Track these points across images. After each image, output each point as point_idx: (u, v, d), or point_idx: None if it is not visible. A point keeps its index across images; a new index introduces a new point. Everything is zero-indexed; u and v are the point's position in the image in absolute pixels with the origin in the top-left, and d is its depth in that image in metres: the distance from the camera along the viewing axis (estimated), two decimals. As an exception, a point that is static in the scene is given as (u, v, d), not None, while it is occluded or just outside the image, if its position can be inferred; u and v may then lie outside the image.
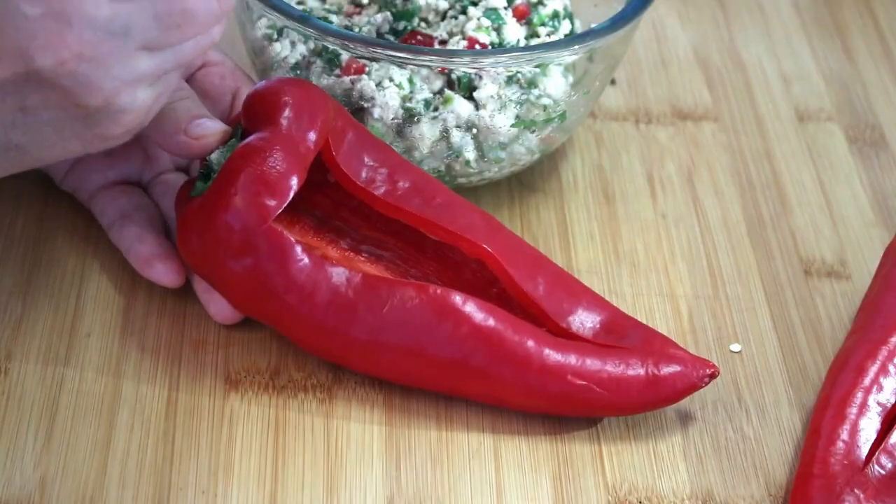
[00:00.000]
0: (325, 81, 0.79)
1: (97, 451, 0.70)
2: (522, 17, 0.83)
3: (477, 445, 0.72)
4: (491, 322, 0.71)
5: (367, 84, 0.79)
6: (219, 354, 0.75)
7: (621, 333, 0.73)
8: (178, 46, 0.65)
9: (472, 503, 0.69)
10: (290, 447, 0.71)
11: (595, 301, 0.74)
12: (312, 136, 0.72)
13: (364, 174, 0.74)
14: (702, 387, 0.71)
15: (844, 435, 0.69)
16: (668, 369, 0.71)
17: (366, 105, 0.79)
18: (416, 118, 0.79)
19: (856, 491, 0.67)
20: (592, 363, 0.71)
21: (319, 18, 0.81)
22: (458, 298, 0.70)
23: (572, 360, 0.71)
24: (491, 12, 0.82)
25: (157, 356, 0.75)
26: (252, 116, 0.73)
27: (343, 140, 0.74)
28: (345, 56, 0.79)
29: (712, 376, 0.72)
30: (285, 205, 0.71)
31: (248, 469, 0.70)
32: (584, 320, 0.73)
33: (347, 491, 0.70)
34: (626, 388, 0.71)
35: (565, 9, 0.85)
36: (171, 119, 0.73)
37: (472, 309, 0.71)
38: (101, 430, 0.71)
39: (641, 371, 0.71)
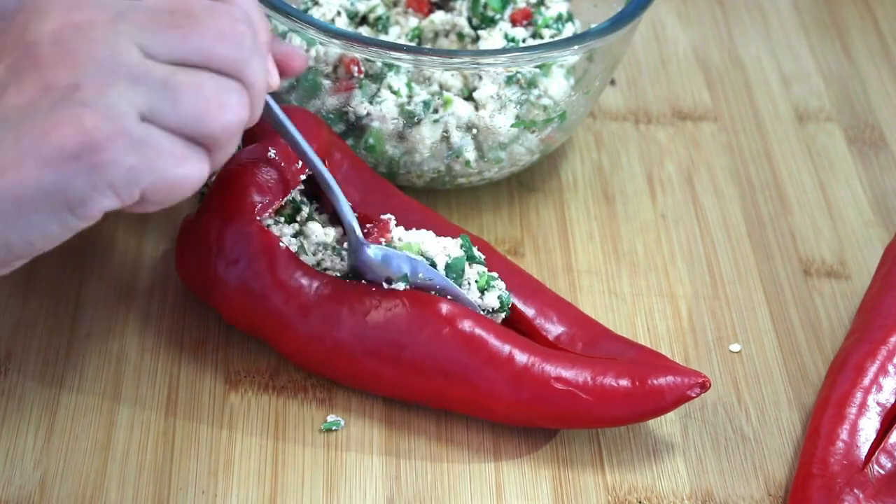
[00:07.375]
0: (326, 86, 0.79)
1: (97, 451, 0.70)
2: (525, 18, 0.83)
3: (477, 446, 0.72)
4: (474, 327, 0.70)
5: (359, 103, 0.78)
6: (219, 355, 0.75)
7: (614, 351, 0.72)
8: (177, 58, 0.60)
9: (471, 503, 0.70)
10: (289, 447, 0.71)
11: (588, 321, 0.74)
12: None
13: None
14: (692, 398, 0.70)
15: (844, 435, 0.69)
16: (657, 379, 0.70)
17: (363, 120, 0.79)
18: (416, 119, 0.79)
19: (855, 491, 0.67)
20: (578, 370, 0.70)
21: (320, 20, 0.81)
22: (441, 304, 0.70)
23: (557, 366, 0.70)
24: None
25: (157, 356, 0.75)
26: (251, 136, 0.74)
27: (339, 170, 0.76)
28: (335, 51, 0.79)
29: (703, 387, 0.70)
30: (277, 204, 0.72)
31: (247, 469, 0.70)
32: (575, 337, 0.73)
33: (347, 491, 0.70)
34: (611, 395, 0.69)
35: (567, 11, 0.85)
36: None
37: (455, 314, 0.70)
38: (101, 429, 0.71)
39: (628, 379, 0.70)
